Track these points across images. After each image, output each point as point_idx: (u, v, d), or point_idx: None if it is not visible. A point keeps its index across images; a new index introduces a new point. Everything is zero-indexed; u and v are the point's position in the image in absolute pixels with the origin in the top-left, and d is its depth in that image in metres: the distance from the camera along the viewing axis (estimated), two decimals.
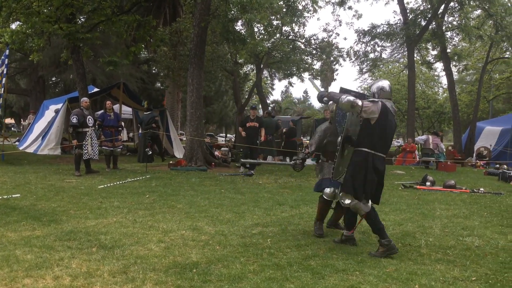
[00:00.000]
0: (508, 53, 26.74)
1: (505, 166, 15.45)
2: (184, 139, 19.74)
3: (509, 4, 21.84)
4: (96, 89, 18.46)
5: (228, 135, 51.37)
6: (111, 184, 9.20)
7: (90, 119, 10.89)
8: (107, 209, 6.64)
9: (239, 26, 21.43)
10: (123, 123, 14.11)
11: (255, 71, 27.75)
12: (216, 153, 16.68)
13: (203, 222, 5.95)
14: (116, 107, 15.36)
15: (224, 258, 4.37)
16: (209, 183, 10.02)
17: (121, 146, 12.68)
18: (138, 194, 8.05)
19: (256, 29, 20.48)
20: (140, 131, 14.73)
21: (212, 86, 27.71)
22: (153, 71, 30.23)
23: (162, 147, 16.32)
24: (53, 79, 28.35)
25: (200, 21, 13.15)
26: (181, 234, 5.30)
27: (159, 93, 29.44)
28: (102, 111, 12.87)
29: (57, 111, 15.67)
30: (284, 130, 17.73)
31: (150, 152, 13.98)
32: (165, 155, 16.41)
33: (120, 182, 9.49)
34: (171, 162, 13.47)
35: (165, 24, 23.24)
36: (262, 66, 24.72)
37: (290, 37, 23.98)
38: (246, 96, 28.46)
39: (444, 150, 20.27)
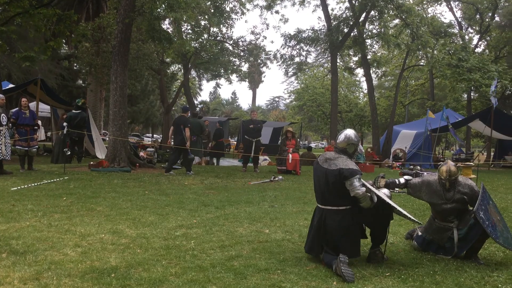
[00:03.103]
0: (423, 61, 28.61)
1: (418, 167, 16.49)
2: (107, 139, 19.04)
3: (424, 15, 23.42)
4: (11, 85, 17.33)
5: (154, 135, 50.37)
6: (25, 186, 8.66)
7: (3, 117, 10.24)
8: (20, 212, 6.23)
9: (166, 24, 21.13)
10: (39, 122, 13.33)
11: (182, 71, 27.42)
12: (141, 153, 16.26)
13: (124, 225, 5.76)
14: (32, 104, 14.50)
15: (145, 262, 4.26)
16: (133, 184, 9.74)
17: (37, 146, 11.97)
18: (55, 197, 7.64)
19: (183, 29, 20.26)
20: (65, 130, 13.93)
21: (137, 84, 26.97)
22: (74, 68, 28.89)
23: (82, 148, 15.60)
24: None
25: (124, 18, 12.76)
26: (100, 237, 5.09)
27: (80, 90, 28.17)
28: (17, 108, 12.09)
29: None
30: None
31: (69, 153, 13.32)
32: (85, 155, 15.74)
33: (35, 184, 8.96)
34: (91, 162, 12.93)
35: (88, 19, 22.32)
36: (189, 66, 24.50)
37: (218, 38, 24.00)
38: (173, 96, 28.02)
39: (363, 151, 21.28)
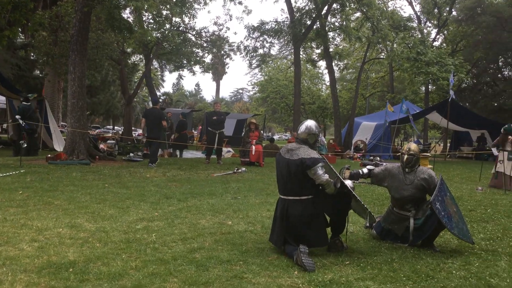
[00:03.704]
0: (383, 54, 29.18)
1: (378, 158, 16.85)
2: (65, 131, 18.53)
3: (384, 9, 23.84)
4: None
5: (115, 127, 49.39)
6: None
7: None
8: None
9: (126, 13, 20.65)
10: None
11: (144, 62, 26.92)
12: (102, 146, 15.92)
13: (82, 219, 5.63)
14: None
15: (104, 256, 4.18)
16: (92, 177, 9.52)
17: None
18: (10, 190, 7.38)
19: (144, 18, 19.84)
20: (22, 122, 13.44)
21: (97, 75, 26.30)
22: (31, 58, 27.83)
23: (36, 140, 15.04)
24: None
25: (83, 6, 12.39)
26: (58, 232, 4.95)
27: (37, 81, 27.19)
28: None
29: None
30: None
31: (25, 145, 12.88)
32: (43, 148, 15.26)
33: None
34: (49, 155, 12.54)
35: (45, 7, 21.47)
36: (151, 56, 24.07)
37: (180, 29, 23.67)
38: (135, 87, 27.48)
39: (326, 143, 21.58)
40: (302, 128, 4.77)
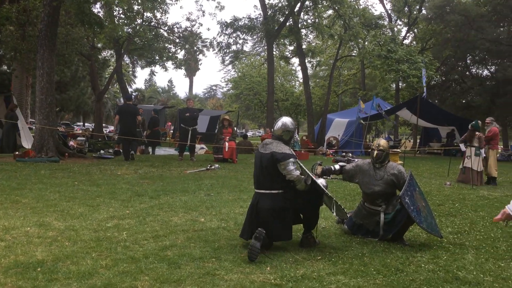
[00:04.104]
0: (355, 51, 29.52)
1: (350, 154, 17.11)
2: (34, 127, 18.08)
3: (356, 7, 24.12)
4: None
5: (86, 124, 48.49)
6: None
7: None
8: None
9: (97, 8, 20.23)
10: None
11: (115, 57, 26.47)
12: (71, 143, 15.61)
13: (51, 217, 5.51)
14: None
15: (73, 255, 4.10)
16: (61, 175, 9.31)
17: None
18: None
19: (115, 13, 19.49)
20: None
21: (66, 71, 25.70)
22: None
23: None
24: None
25: (52, 0, 12.08)
26: (25, 231, 4.83)
27: (5, 77, 26.36)
28: None
29: None
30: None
31: None
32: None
33: None
34: (17, 153, 12.22)
35: (12, 1, 20.84)
36: (122, 52, 23.69)
37: (152, 24, 23.36)
38: (106, 83, 27.00)
39: (299, 139, 21.70)
40: (278, 124, 4.83)
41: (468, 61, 30.51)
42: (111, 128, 35.92)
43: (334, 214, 5.04)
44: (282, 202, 4.56)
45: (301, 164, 4.73)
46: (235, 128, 20.32)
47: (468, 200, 8.11)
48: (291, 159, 4.51)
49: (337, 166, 5.56)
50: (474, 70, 31.56)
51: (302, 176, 4.56)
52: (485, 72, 31.36)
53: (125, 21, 18.27)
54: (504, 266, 4.22)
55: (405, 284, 3.70)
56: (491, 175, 11.07)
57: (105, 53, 27.26)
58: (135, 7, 17.97)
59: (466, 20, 25.26)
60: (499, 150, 14.59)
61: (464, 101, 29.88)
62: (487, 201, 8.11)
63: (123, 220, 5.53)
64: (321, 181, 4.80)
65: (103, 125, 28.27)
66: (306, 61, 26.20)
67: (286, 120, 4.86)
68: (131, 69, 42.19)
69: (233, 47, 25.29)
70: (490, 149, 11.16)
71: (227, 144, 13.72)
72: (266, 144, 4.77)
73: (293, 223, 4.74)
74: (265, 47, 26.18)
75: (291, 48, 28.15)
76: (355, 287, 3.61)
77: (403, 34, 31.59)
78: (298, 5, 22.45)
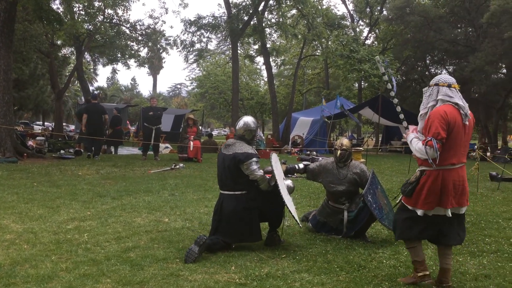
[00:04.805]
0: (318, 51, 29.85)
1: (314, 152, 17.30)
2: None
3: (319, 7, 24.38)
4: None
5: (46, 123, 47.04)
6: None
7: None
8: None
9: (56, 4, 19.67)
10: None
11: (75, 55, 25.79)
12: (30, 142, 15.10)
13: (9, 220, 5.32)
14: None
15: (32, 258, 3.99)
16: (20, 176, 9.00)
17: None
18: None
19: (75, 9, 19.00)
20: None
21: (25, 68, 24.78)
22: None
23: None
24: None
25: None
26: None
27: None
28: None
29: None
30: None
31: None
32: None
33: None
34: None
35: None
36: (83, 49, 23.12)
37: (114, 21, 22.91)
38: (66, 81, 26.27)
39: (264, 138, 21.79)
40: (240, 124, 4.83)
41: (428, 61, 31.38)
42: (72, 127, 35.03)
43: (285, 222, 4.99)
44: (245, 203, 4.57)
45: (273, 165, 4.68)
46: (200, 127, 20.19)
47: None
48: (254, 159, 4.53)
49: (301, 165, 5.60)
50: (433, 70, 32.46)
51: (266, 177, 4.57)
52: (444, 72, 32.37)
53: (86, 18, 17.87)
54: (462, 261, 4.37)
55: (367, 280, 3.77)
56: None
57: (65, 51, 26.49)
58: (96, 4, 17.62)
59: (425, 21, 25.96)
60: None
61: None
62: None
63: (84, 222, 5.40)
64: (288, 183, 4.83)
65: (64, 124, 27.51)
66: (271, 60, 26.29)
67: (247, 119, 4.87)
68: (92, 67, 41.13)
69: (197, 46, 25.07)
70: None
71: (191, 143, 13.61)
72: (228, 145, 4.77)
73: (261, 220, 4.76)
74: (230, 46, 26.09)
75: (256, 47, 28.18)
76: (319, 284, 3.65)
77: (365, 34, 32.20)
78: (262, 4, 22.50)
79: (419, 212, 3.58)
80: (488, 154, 20.89)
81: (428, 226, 3.64)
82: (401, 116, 4.61)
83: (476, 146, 21.12)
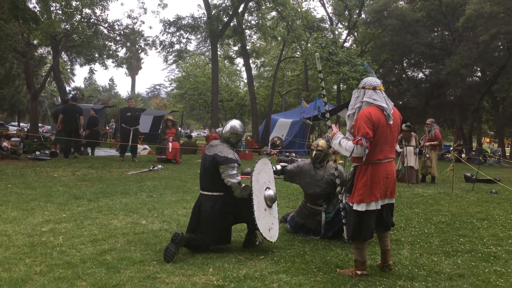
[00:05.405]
0: (298, 53, 29.98)
1: (293, 153, 17.38)
2: None
3: (299, 9, 24.51)
4: None
5: (21, 123, 46.09)
6: None
7: None
8: None
9: (33, 3, 19.32)
10: None
11: (52, 55, 25.34)
12: (5, 143, 14.78)
13: None
14: None
15: (5, 261, 3.90)
16: None
17: None
18: None
19: (52, 8, 18.69)
20: None
21: (0, 68, 24.35)
22: None
23: None
24: None
25: None
26: None
27: None
28: None
29: None
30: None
31: None
32: None
33: None
34: None
35: None
36: (60, 49, 22.74)
37: (91, 21, 22.62)
38: (42, 81, 25.80)
39: (243, 139, 21.76)
40: (227, 127, 4.85)
41: (405, 64, 31.90)
42: (47, 128, 34.44)
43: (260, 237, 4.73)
44: (222, 205, 4.57)
45: (253, 175, 4.64)
46: (180, 129, 20.07)
47: (404, 198, 8.47)
48: (232, 164, 4.53)
49: (278, 167, 5.63)
50: (410, 73, 33.04)
51: (240, 185, 4.58)
52: (420, 75, 32.96)
53: (63, 17, 17.60)
54: (437, 261, 4.44)
55: (344, 281, 3.81)
56: (434, 175, 11.55)
57: (41, 50, 26.05)
58: (73, 3, 17.38)
59: (403, 25, 26.38)
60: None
61: (401, 102, 31.15)
62: (421, 198, 8.50)
63: (59, 224, 5.31)
64: (270, 193, 4.83)
65: (39, 125, 27.01)
66: (251, 61, 26.33)
67: (235, 123, 4.90)
68: (69, 67, 40.49)
69: (177, 46, 24.90)
70: (433, 150, 11.62)
71: (170, 144, 13.53)
72: (211, 146, 4.79)
73: (237, 222, 4.75)
74: (209, 47, 26.00)
75: (236, 48, 28.15)
76: (296, 285, 3.67)
77: (343, 37, 32.50)
78: (242, 5, 22.51)
79: (359, 207, 3.79)
80: (463, 155, 21.31)
81: (371, 222, 3.86)
82: (327, 115, 4.75)
83: (451, 148, 21.53)
